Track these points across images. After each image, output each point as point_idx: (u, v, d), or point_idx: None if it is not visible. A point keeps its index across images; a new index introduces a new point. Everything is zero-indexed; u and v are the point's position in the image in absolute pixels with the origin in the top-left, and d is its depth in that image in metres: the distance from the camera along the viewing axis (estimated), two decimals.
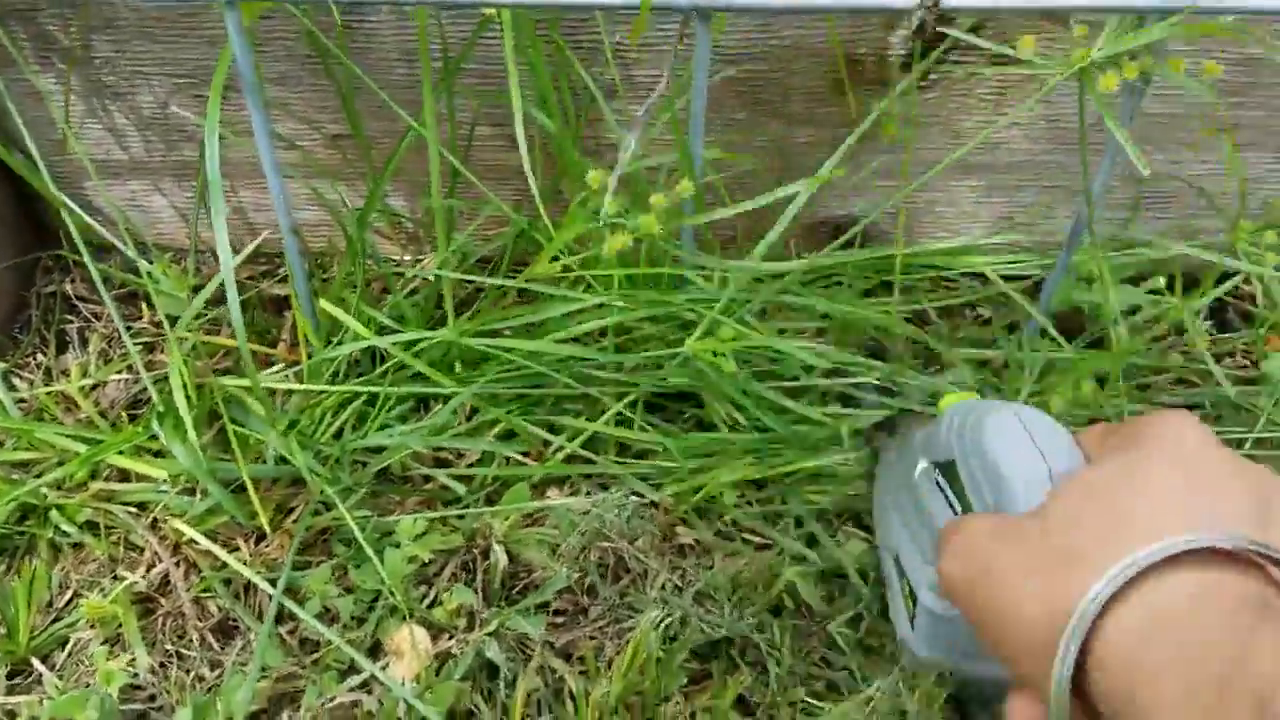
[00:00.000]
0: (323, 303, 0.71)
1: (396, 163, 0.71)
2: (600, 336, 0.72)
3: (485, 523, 0.69)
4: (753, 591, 0.66)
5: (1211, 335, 0.83)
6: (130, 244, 0.76)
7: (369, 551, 0.65)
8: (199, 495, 0.69)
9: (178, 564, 0.68)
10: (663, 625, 0.64)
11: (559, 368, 0.70)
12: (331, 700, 0.61)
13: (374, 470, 0.71)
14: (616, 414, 0.72)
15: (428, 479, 0.72)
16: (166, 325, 0.78)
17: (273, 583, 0.65)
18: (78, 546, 0.69)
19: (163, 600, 0.67)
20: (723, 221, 0.82)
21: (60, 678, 0.64)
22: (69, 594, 0.68)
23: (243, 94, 0.62)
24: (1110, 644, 0.32)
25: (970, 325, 0.84)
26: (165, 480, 0.70)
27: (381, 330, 0.72)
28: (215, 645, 0.65)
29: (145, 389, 0.77)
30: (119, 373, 0.79)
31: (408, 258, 0.85)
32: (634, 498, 0.69)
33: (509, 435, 0.73)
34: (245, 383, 0.71)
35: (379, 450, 0.72)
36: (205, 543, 0.67)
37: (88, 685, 0.62)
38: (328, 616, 0.65)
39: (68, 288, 0.84)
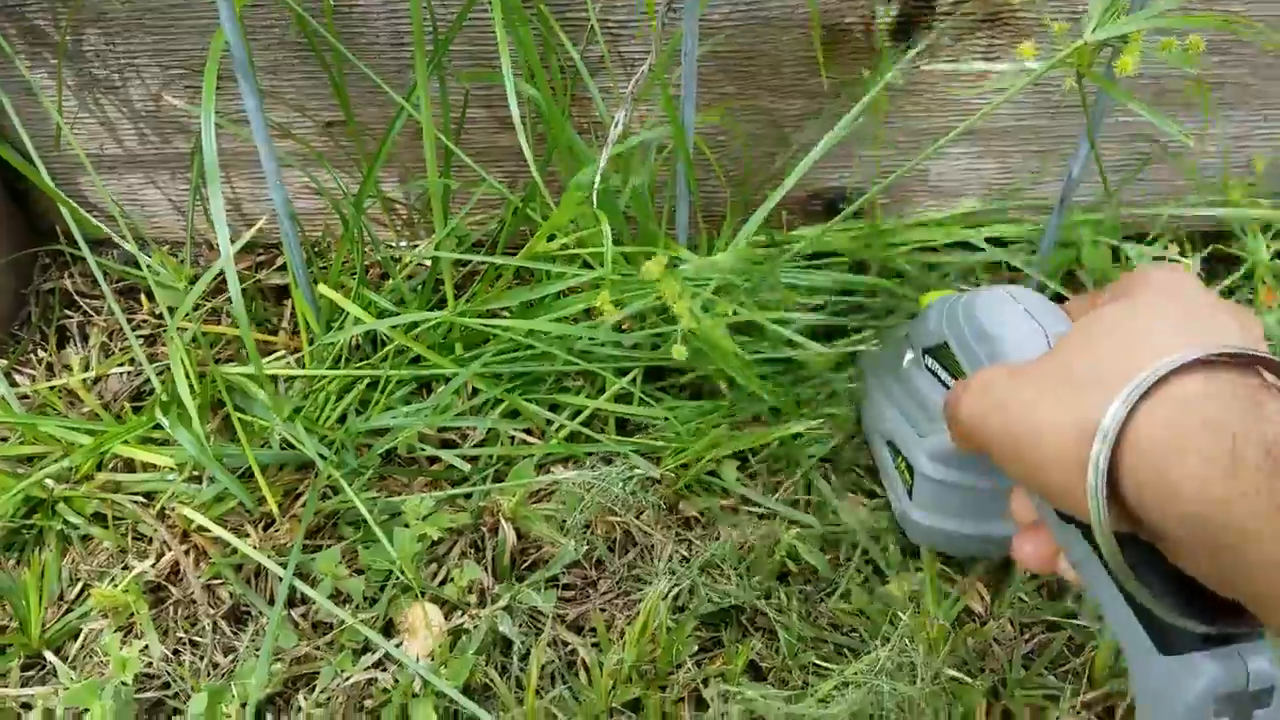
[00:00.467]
0: (321, 288, 0.72)
1: (390, 147, 0.71)
2: (591, 315, 0.72)
3: (493, 500, 0.69)
4: (758, 560, 0.67)
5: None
6: (130, 238, 0.76)
7: (378, 532, 0.65)
8: (206, 483, 0.70)
9: (187, 552, 0.68)
10: (671, 595, 0.64)
11: (557, 344, 0.71)
12: (347, 679, 0.61)
13: (380, 452, 0.71)
14: (617, 389, 0.72)
15: (434, 460, 0.73)
16: (167, 315, 0.79)
17: (283, 566, 0.65)
18: (86, 539, 0.70)
19: (173, 589, 0.67)
20: (714, 198, 0.83)
21: (74, 669, 0.64)
22: (79, 586, 0.68)
23: (235, 83, 0.62)
24: (1141, 435, 0.35)
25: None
26: (171, 469, 0.70)
27: (382, 314, 0.73)
28: (228, 631, 0.65)
29: (147, 381, 0.78)
30: (120, 366, 0.79)
31: (405, 244, 0.85)
32: (637, 471, 0.70)
33: (513, 413, 0.73)
34: (248, 370, 0.72)
35: (383, 433, 0.72)
36: (215, 529, 0.67)
37: (101, 675, 0.63)
38: (340, 598, 0.65)
39: (66, 283, 0.85)
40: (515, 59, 0.68)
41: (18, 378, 0.79)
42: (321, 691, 0.61)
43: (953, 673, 0.60)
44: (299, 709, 0.61)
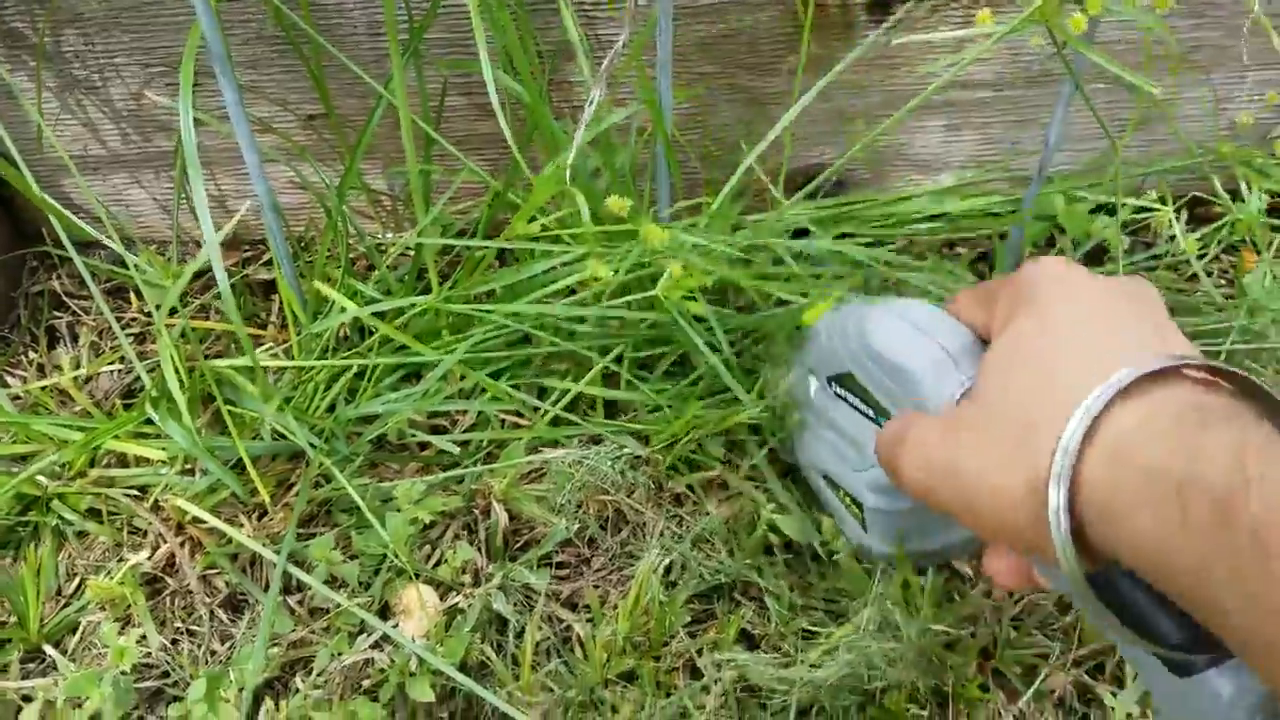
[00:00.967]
0: (312, 281, 0.72)
1: (371, 138, 0.71)
2: (577, 296, 0.73)
3: (484, 483, 0.70)
4: (741, 534, 0.67)
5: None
6: (116, 238, 0.76)
7: (370, 518, 0.66)
8: (198, 475, 0.70)
9: (182, 544, 0.69)
10: (663, 569, 0.65)
11: (541, 325, 0.71)
12: (344, 661, 0.62)
13: (370, 439, 0.71)
14: (602, 370, 0.73)
15: (424, 445, 0.73)
16: (155, 312, 0.79)
17: (277, 554, 0.65)
18: (81, 534, 0.70)
19: (169, 580, 0.68)
20: (694, 179, 0.83)
21: (73, 662, 0.64)
22: (76, 580, 0.68)
23: (215, 79, 0.62)
24: (1090, 491, 0.34)
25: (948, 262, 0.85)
26: (164, 462, 0.71)
27: (369, 303, 0.73)
28: (225, 619, 0.66)
29: (138, 379, 0.78)
30: (110, 364, 0.80)
31: (389, 235, 0.86)
32: (625, 451, 0.70)
33: (502, 395, 0.74)
34: (238, 363, 0.72)
35: (373, 419, 0.72)
36: (209, 519, 0.67)
37: (100, 667, 0.63)
38: (335, 583, 0.66)
39: (54, 284, 0.85)
40: (492, 45, 0.68)
41: (9, 379, 0.80)
42: (319, 674, 0.62)
43: (940, 627, 0.60)
44: (297, 691, 0.61)
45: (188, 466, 0.71)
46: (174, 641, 0.65)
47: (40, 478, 0.70)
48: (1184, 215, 0.84)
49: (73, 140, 0.81)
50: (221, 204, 0.85)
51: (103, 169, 0.83)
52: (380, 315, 0.72)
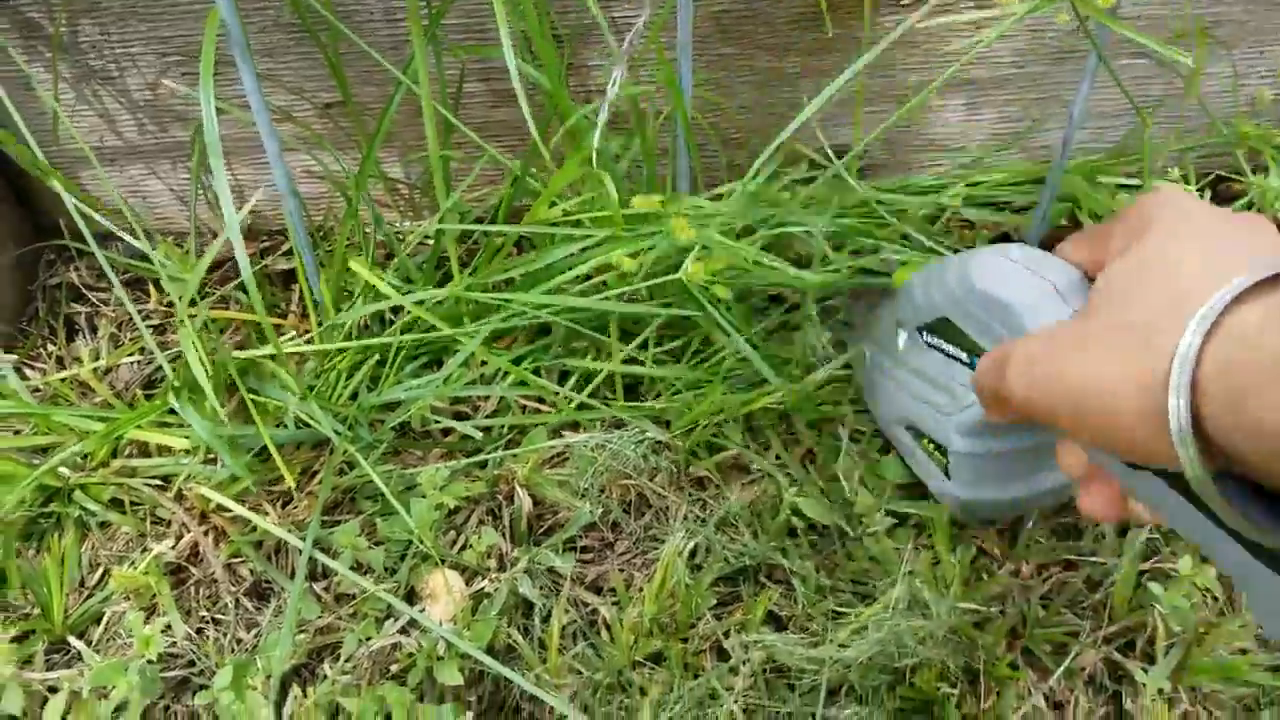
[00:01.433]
0: (350, 261, 0.72)
1: (389, 125, 0.71)
2: (601, 282, 0.73)
3: (507, 468, 0.69)
4: (765, 517, 0.67)
5: None
6: (137, 229, 0.76)
7: (395, 504, 0.65)
8: (220, 464, 0.70)
9: (206, 533, 0.69)
10: (688, 552, 0.64)
11: (562, 312, 0.71)
12: (372, 646, 0.61)
13: (393, 426, 0.71)
14: (623, 356, 0.72)
15: (447, 432, 0.73)
16: (177, 301, 0.79)
17: (303, 541, 0.65)
18: (104, 524, 0.70)
19: (194, 569, 0.68)
20: (714, 163, 0.83)
21: (98, 652, 0.64)
22: (100, 571, 0.68)
23: (233, 68, 0.62)
24: (1214, 378, 0.34)
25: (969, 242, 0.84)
26: (187, 451, 0.70)
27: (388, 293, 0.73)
28: (250, 607, 0.66)
29: (158, 369, 0.78)
30: (130, 355, 0.80)
31: (408, 224, 0.85)
32: (648, 436, 0.70)
33: (524, 380, 0.74)
34: (259, 352, 0.72)
35: (395, 406, 0.72)
36: (234, 507, 0.67)
37: (125, 656, 0.63)
38: (361, 569, 0.66)
39: (73, 276, 0.85)
40: (511, 29, 0.68)
41: (28, 372, 0.80)
42: (346, 659, 0.61)
43: (970, 605, 0.60)
44: (324, 677, 0.61)
45: (210, 456, 0.71)
46: (199, 630, 0.65)
47: (62, 469, 0.70)
48: (1207, 195, 0.83)
49: (89, 131, 0.81)
50: (239, 194, 0.85)
51: (120, 160, 0.83)
52: (401, 305, 0.72)
